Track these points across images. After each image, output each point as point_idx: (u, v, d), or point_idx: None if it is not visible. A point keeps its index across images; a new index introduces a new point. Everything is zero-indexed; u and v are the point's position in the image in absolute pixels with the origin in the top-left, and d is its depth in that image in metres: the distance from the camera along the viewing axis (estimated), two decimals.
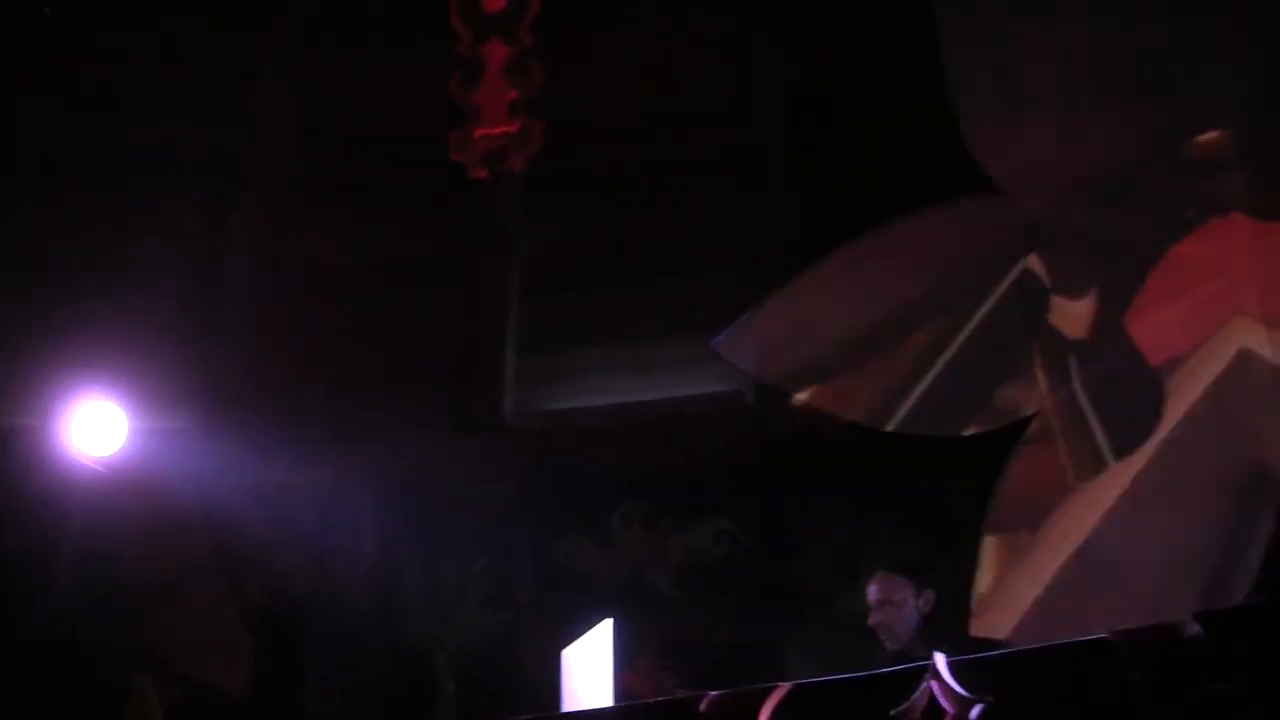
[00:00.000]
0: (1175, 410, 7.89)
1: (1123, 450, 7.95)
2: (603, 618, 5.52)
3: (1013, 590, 7.87)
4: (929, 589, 6.36)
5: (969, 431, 8.28)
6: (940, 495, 8.38)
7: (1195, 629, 3.80)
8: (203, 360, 9.36)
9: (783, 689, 4.31)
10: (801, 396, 8.45)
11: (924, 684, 4.05)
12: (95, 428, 8.52)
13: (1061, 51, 8.30)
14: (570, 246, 9.59)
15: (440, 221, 9.74)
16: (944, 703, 4.01)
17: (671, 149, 9.58)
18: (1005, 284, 8.34)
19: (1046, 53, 8.33)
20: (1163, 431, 7.90)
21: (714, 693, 4.42)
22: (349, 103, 9.97)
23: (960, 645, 5.58)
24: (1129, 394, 8.02)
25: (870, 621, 6.38)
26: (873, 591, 6.43)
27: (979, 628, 7.80)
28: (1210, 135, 8.03)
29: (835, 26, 9.41)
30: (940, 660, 4.07)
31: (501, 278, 9.53)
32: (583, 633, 5.59)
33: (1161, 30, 8.20)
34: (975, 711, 3.96)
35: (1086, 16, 8.29)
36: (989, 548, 7.96)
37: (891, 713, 4.08)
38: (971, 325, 8.34)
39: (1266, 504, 7.49)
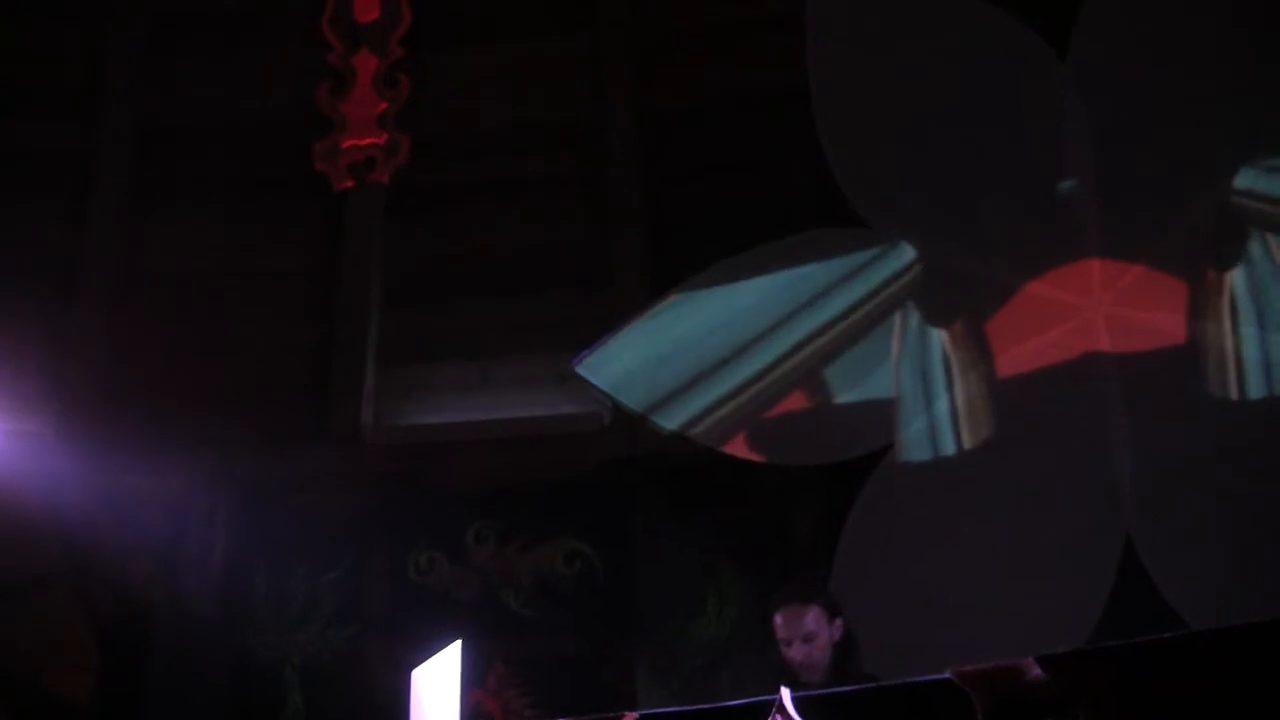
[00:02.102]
0: (1023, 430, 8.01)
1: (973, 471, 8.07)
2: (454, 635, 5.50)
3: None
4: (838, 617, 5.83)
5: (825, 461, 8.36)
6: (792, 522, 8.44)
7: (1036, 671, 3.86)
8: (56, 364, 9.24)
9: (629, 719, 4.32)
10: (664, 422, 8.48)
11: (769, 719, 4.08)
12: None
13: (927, 87, 8.40)
14: (431, 261, 9.57)
15: (301, 231, 9.70)
16: None
17: (529, 165, 9.62)
18: (865, 315, 8.43)
19: (913, 86, 8.43)
20: (1013, 456, 8.00)
21: None
22: (212, 107, 9.91)
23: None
24: (984, 414, 8.14)
25: (788, 657, 5.76)
26: (780, 626, 5.80)
27: None
28: (1069, 181, 8.17)
29: (693, 47, 9.51)
30: (785, 695, 4.10)
31: (362, 290, 9.48)
32: (434, 650, 5.57)
33: (1019, 74, 8.34)
34: None
35: (953, 53, 8.40)
36: (839, 577, 7.98)
37: None
38: (829, 354, 8.42)
39: (1117, 531, 7.60)
